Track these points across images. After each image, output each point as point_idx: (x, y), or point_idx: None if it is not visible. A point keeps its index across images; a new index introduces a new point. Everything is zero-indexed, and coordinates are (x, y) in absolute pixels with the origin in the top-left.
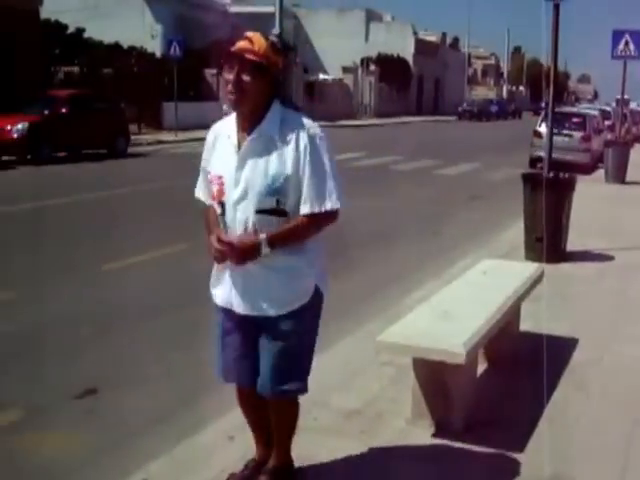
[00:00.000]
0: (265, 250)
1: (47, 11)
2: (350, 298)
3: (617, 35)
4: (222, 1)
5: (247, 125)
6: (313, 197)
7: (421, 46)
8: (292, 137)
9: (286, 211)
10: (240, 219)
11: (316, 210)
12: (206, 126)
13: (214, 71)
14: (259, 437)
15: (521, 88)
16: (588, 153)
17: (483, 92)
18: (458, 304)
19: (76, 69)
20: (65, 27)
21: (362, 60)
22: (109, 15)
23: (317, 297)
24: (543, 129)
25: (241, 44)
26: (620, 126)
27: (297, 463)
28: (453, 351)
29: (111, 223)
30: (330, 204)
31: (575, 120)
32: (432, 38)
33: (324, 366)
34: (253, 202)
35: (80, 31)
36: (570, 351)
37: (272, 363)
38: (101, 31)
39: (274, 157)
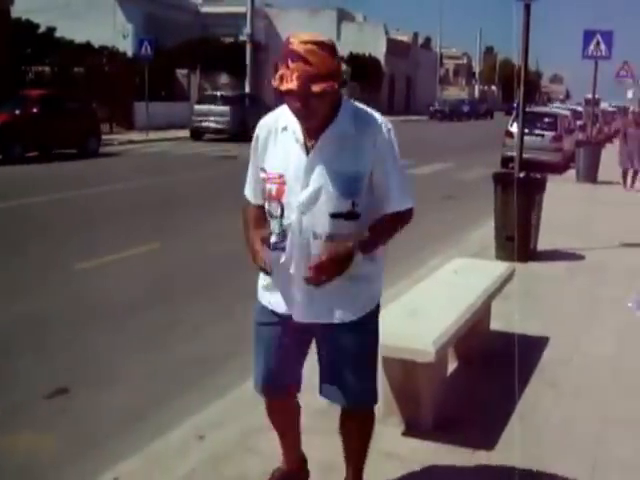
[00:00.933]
0: (358, 258)
1: (18, 10)
2: None
3: (588, 35)
4: (194, 1)
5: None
6: (398, 195)
7: (393, 46)
8: (369, 133)
9: (359, 214)
10: (308, 223)
11: (402, 208)
12: (177, 126)
13: (185, 71)
14: (291, 446)
15: (493, 88)
16: (559, 153)
17: (455, 92)
18: (428, 303)
19: (47, 69)
20: (36, 26)
21: None
22: (80, 15)
23: (379, 300)
24: (514, 129)
25: (300, 70)
26: (591, 126)
27: (266, 462)
28: (423, 350)
29: (84, 222)
30: (412, 201)
31: (547, 120)
32: (404, 38)
33: None
34: (327, 205)
35: (51, 30)
36: (541, 350)
37: (351, 372)
38: (72, 31)
39: (350, 156)
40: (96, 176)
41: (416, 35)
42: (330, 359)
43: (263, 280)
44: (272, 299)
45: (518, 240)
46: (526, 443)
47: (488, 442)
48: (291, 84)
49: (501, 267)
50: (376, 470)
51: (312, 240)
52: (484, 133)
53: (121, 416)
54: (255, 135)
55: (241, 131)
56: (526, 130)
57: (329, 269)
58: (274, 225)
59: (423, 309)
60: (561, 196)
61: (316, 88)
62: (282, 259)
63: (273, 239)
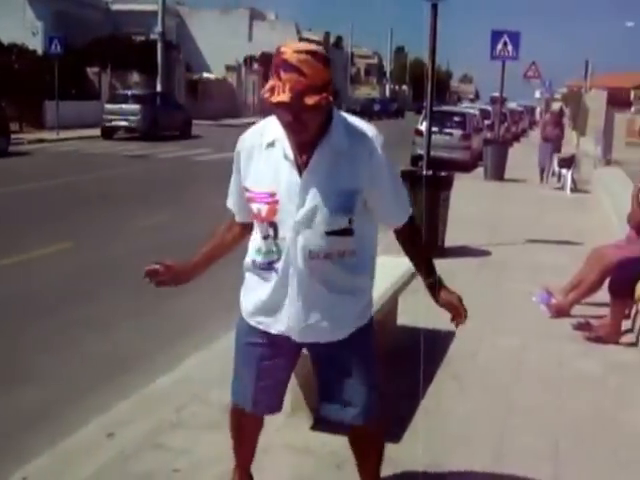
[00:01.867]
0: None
1: None
2: (230, 294)
3: (496, 36)
4: None
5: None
6: (403, 206)
7: None
8: (363, 147)
9: (354, 229)
10: (303, 242)
11: (403, 221)
12: (88, 124)
13: (96, 69)
14: (245, 463)
15: (404, 87)
16: (468, 151)
17: (366, 91)
18: None
19: None
20: None
21: (245, 59)
22: None
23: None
24: (424, 127)
25: (293, 81)
26: (499, 125)
27: (174, 458)
28: None
29: None
30: (410, 211)
31: (455, 119)
32: (315, 37)
33: (204, 362)
34: (323, 223)
35: None
36: (447, 344)
37: (363, 389)
38: None
39: (346, 172)
40: (5, 175)
41: (327, 34)
42: (333, 375)
43: (253, 300)
44: (264, 320)
45: (426, 237)
46: (431, 436)
47: (394, 435)
48: (283, 96)
49: (408, 263)
50: (287, 464)
51: (309, 259)
52: (394, 132)
53: (30, 415)
54: (236, 152)
55: (152, 130)
56: (436, 129)
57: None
58: (266, 245)
59: None
60: (469, 194)
61: (310, 101)
62: (276, 278)
63: (264, 259)
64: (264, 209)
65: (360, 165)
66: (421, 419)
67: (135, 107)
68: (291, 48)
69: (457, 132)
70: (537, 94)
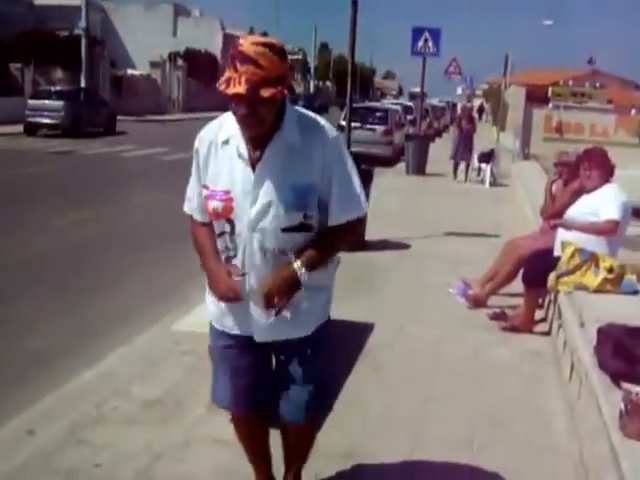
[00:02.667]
0: (305, 278)
1: None
2: (152, 292)
3: (417, 32)
4: None
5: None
6: (347, 205)
7: (229, 41)
8: (315, 142)
9: (312, 225)
10: (259, 239)
11: (352, 218)
12: (11, 121)
13: (19, 65)
14: (261, 467)
15: (328, 84)
16: (390, 146)
17: None
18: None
19: None
20: None
21: (170, 55)
22: None
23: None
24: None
25: (249, 73)
26: (420, 120)
27: (95, 453)
28: None
29: None
30: (363, 209)
31: (378, 115)
32: (240, 33)
33: (125, 357)
34: (278, 219)
35: None
36: (366, 336)
37: (308, 387)
38: None
39: (299, 166)
40: None
41: (252, 30)
42: (291, 373)
43: (215, 304)
44: (228, 322)
45: None
46: (350, 425)
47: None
48: (239, 88)
49: None
50: (208, 456)
51: (265, 256)
52: None
53: None
54: (195, 149)
55: (76, 126)
56: (358, 124)
57: (279, 297)
58: (222, 241)
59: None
60: (390, 188)
61: (265, 93)
62: (234, 277)
63: (223, 257)
64: (220, 206)
65: (314, 159)
66: (340, 408)
67: (58, 103)
68: (248, 40)
69: (379, 127)
70: (459, 90)
